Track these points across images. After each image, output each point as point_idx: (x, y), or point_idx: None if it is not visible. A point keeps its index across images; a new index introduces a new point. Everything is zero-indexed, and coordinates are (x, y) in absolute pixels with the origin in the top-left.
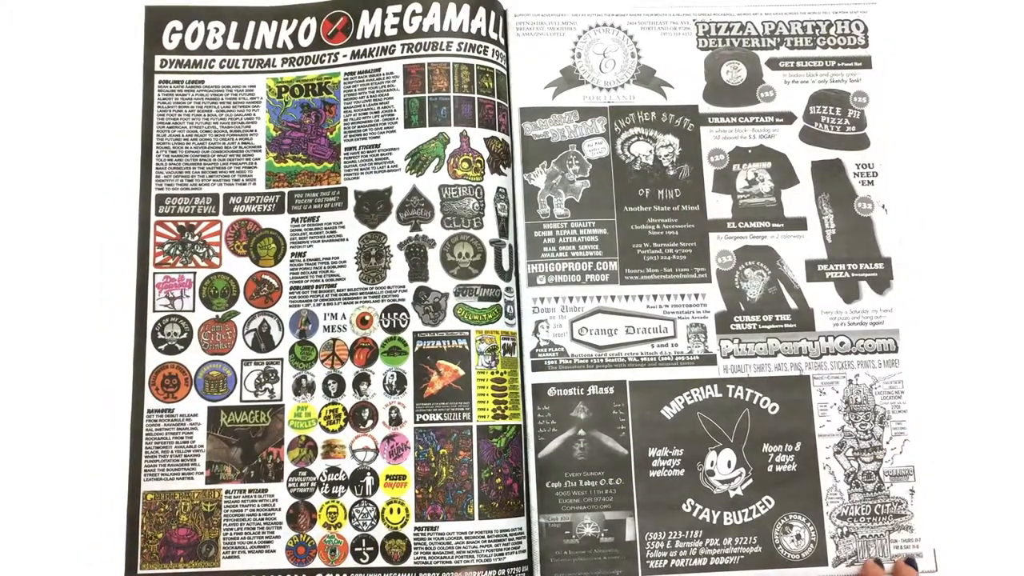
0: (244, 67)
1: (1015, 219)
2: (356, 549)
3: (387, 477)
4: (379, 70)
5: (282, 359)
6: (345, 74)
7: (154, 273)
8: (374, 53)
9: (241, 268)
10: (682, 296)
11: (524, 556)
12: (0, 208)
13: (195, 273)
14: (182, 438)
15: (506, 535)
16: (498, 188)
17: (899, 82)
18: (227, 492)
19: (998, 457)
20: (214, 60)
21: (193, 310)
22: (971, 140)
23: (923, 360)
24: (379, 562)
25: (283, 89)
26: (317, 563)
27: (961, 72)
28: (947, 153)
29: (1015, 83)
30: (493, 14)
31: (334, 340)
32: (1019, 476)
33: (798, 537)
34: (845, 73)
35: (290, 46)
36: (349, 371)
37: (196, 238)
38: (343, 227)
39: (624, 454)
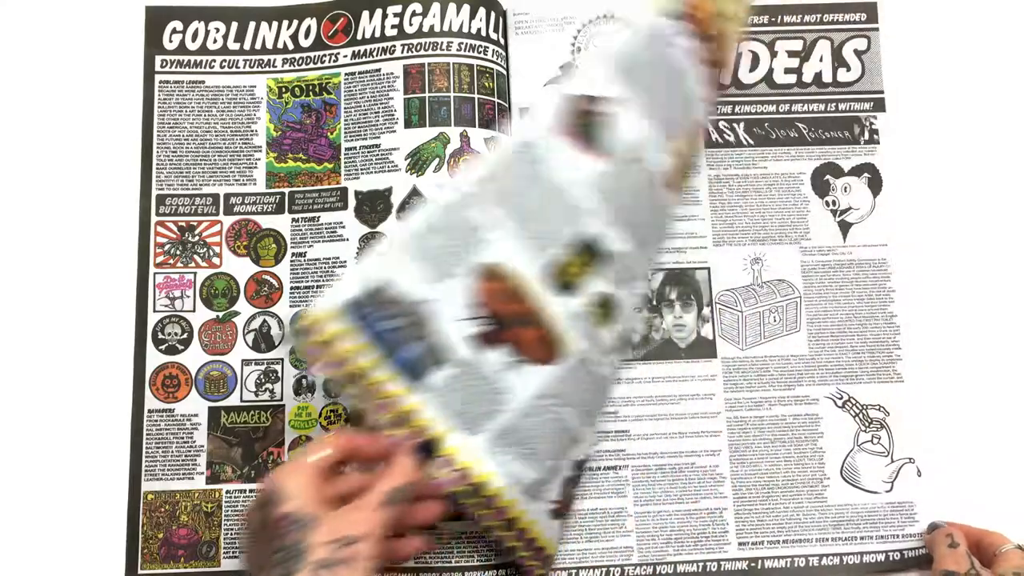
0: (244, 67)
1: (1014, 216)
2: None
3: None
4: (379, 70)
5: (282, 359)
6: (345, 74)
7: (154, 273)
8: (374, 53)
9: (241, 268)
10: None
11: None
12: (0, 209)
13: (195, 273)
14: (182, 438)
15: None
16: None
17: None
18: (227, 492)
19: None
20: (214, 60)
21: (193, 310)
22: (969, 139)
23: (927, 357)
24: None
25: (283, 89)
26: None
27: (961, 72)
28: (946, 152)
29: (1014, 82)
30: (493, 14)
31: None
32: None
33: None
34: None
35: (290, 46)
36: None
37: (196, 238)
38: (343, 227)
39: None
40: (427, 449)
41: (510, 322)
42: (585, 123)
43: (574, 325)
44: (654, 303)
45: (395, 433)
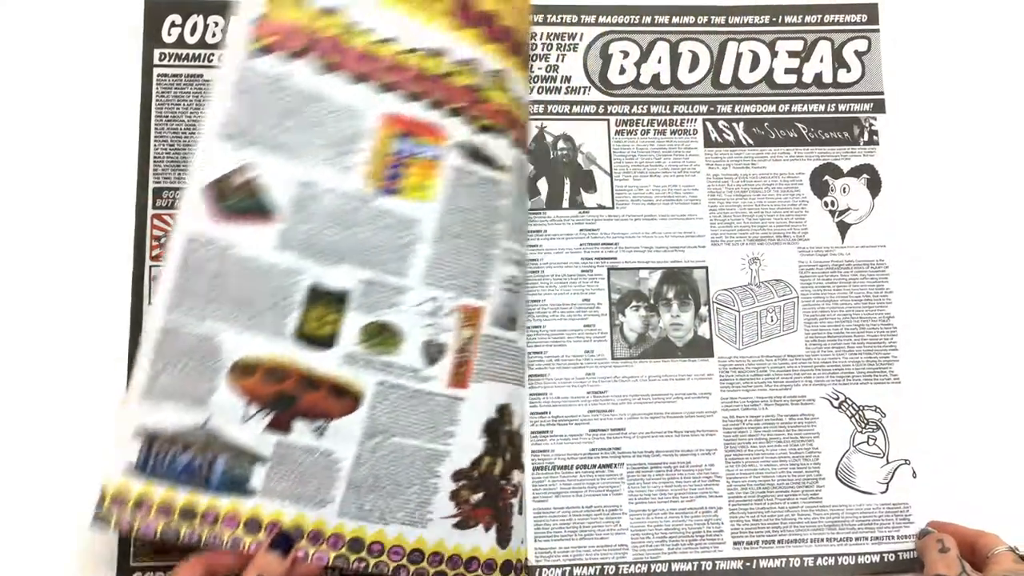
0: None
1: (1013, 219)
2: None
3: None
4: None
5: None
6: None
7: (151, 267)
8: None
9: None
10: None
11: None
12: None
13: None
14: None
15: None
16: None
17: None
18: None
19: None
20: (213, 54)
21: None
22: (969, 141)
23: (924, 359)
24: None
25: None
26: None
27: (962, 74)
28: (946, 154)
29: (1015, 84)
30: None
31: None
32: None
33: None
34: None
35: None
36: None
37: None
38: None
39: None
40: (286, 540)
41: (290, 399)
42: (237, 203)
43: (357, 366)
44: (651, 302)
45: (253, 540)
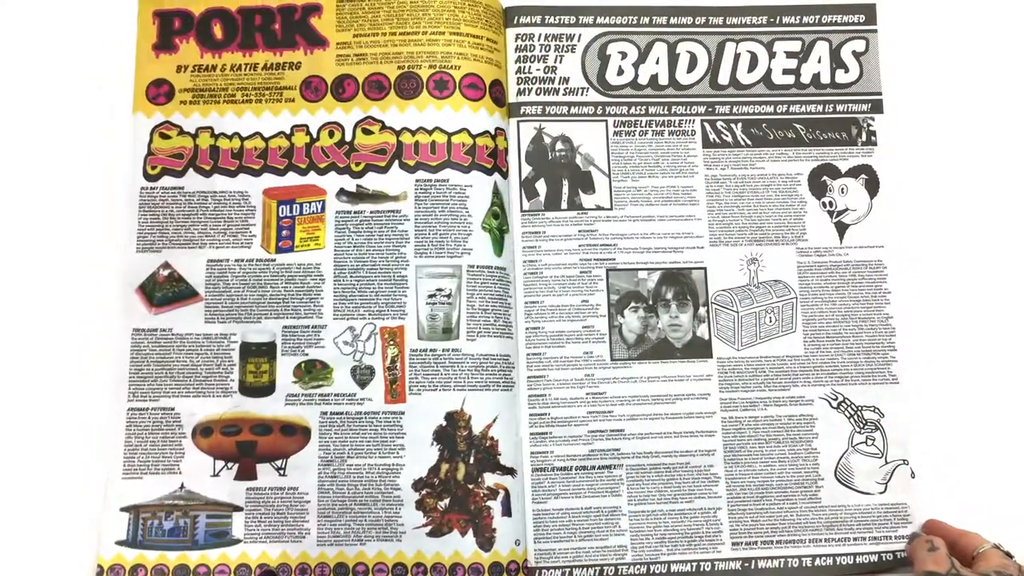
0: None
1: (1011, 219)
2: None
3: None
4: None
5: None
6: None
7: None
8: None
9: None
10: None
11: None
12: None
13: None
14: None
15: None
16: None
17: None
18: None
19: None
20: None
21: None
22: (967, 141)
23: (922, 359)
24: None
25: None
26: None
27: (960, 74)
28: (944, 154)
29: (1012, 85)
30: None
31: None
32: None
33: None
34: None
35: None
36: None
37: None
38: None
39: None
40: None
41: (248, 446)
42: (165, 294)
43: (299, 403)
44: (650, 303)
45: None
